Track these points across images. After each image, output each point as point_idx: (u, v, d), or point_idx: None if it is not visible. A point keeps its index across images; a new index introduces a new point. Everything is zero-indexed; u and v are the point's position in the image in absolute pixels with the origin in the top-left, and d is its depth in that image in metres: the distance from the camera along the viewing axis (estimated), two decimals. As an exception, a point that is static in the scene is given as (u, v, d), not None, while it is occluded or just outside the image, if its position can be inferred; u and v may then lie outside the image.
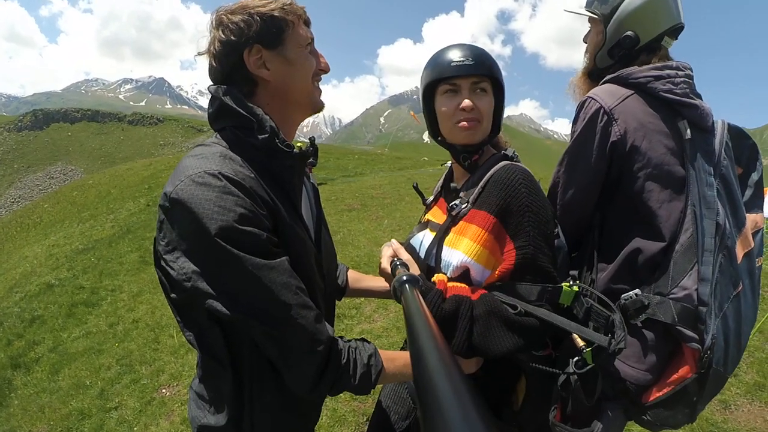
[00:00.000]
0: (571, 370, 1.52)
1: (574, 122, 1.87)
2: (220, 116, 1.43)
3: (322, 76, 1.55)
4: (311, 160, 20.43)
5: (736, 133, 1.85)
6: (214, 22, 1.41)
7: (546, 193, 1.84)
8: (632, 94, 1.78)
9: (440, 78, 1.69)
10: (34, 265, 12.49)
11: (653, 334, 1.66)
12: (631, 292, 1.68)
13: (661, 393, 1.66)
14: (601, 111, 1.75)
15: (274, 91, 1.46)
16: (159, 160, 33.70)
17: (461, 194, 1.76)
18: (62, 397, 5.42)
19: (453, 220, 1.69)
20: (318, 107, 1.56)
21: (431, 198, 2.04)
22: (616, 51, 1.93)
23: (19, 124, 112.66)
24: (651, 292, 1.67)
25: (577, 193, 1.84)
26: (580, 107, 1.85)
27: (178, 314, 1.41)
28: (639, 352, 1.67)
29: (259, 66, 1.41)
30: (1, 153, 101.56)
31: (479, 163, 1.77)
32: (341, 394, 4.35)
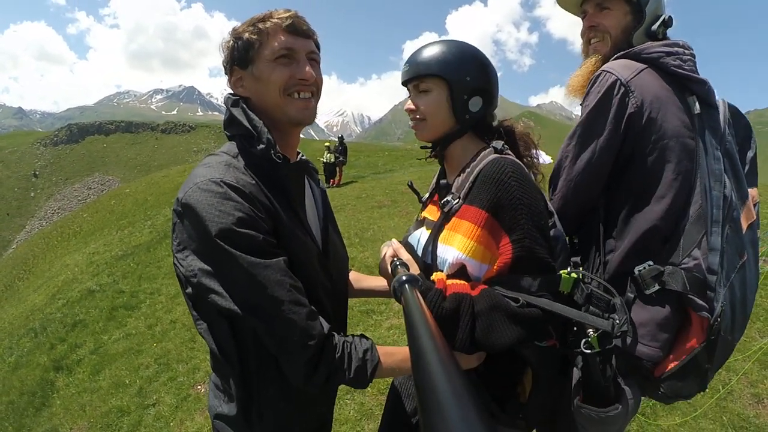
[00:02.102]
0: (587, 351, 1.56)
1: (587, 96, 1.85)
2: (229, 124, 1.55)
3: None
4: (341, 158, 20.54)
5: (732, 112, 1.88)
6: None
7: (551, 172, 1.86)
8: (646, 67, 1.78)
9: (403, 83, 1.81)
10: (75, 273, 12.83)
11: (665, 308, 1.67)
12: (644, 264, 1.69)
13: (673, 365, 1.67)
14: (618, 83, 1.74)
15: (256, 107, 1.56)
16: (193, 166, 34.44)
17: (453, 189, 1.76)
18: (102, 395, 5.59)
19: (445, 216, 1.69)
20: (293, 120, 1.59)
21: (426, 195, 2.04)
22: (659, 30, 1.90)
23: (55, 138, 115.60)
24: (662, 264, 1.68)
25: (589, 167, 1.81)
26: (594, 81, 1.83)
27: (193, 308, 1.52)
28: (653, 330, 1.67)
29: (238, 86, 1.58)
30: (39, 167, 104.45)
31: (455, 156, 1.82)
32: (368, 389, 4.41)
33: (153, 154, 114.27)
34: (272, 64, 1.51)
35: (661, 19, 1.89)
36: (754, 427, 3.78)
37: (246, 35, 1.51)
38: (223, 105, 1.58)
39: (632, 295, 1.67)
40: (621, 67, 1.78)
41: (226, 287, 1.36)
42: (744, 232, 1.78)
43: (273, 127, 1.54)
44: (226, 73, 1.60)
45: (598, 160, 1.80)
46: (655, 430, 3.80)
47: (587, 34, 2.04)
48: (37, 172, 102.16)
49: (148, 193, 26.55)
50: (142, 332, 7.26)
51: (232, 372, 1.52)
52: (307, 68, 1.55)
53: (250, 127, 1.47)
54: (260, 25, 1.50)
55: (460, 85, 1.69)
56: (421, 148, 1.93)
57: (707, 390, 3.98)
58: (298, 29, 1.54)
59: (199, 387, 5.21)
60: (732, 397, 4.10)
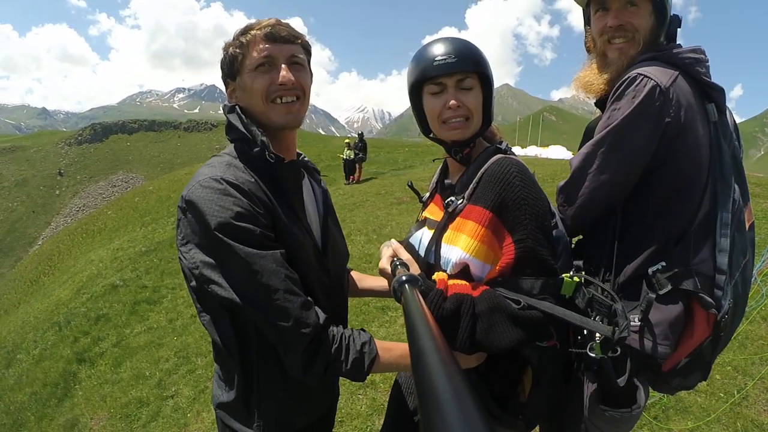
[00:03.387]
0: (592, 356, 1.58)
1: (617, 99, 1.74)
2: (229, 130, 1.62)
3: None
4: (360, 154, 20.55)
5: None
6: None
7: (569, 177, 1.84)
8: (678, 74, 1.71)
9: (425, 77, 1.66)
10: (99, 268, 13.06)
11: (677, 306, 1.67)
12: (658, 264, 1.69)
13: (680, 360, 1.73)
14: (658, 90, 1.65)
15: (249, 114, 1.62)
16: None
17: (456, 189, 1.76)
18: (123, 387, 5.73)
19: (450, 216, 1.69)
20: (277, 125, 1.63)
21: (427, 195, 2.03)
22: (672, 30, 1.88)
23: (79, 138, 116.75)
24: (674, 264, 1.68)
25: (618, 176, 1.75)
26: (628, 84, 1.71)
27: (197, 301, 1.59)
28: (665, 329, 1.67)
29: (232, 96, 1.68)
30: (65, 166, 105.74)
31: (472, 156, 1.76)
32: (380, 384, 4.44)
33: (176, 151, 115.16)
34: (253, 74, 1.58)
35: (676, 20, 1.85)
36: (770, 434, 3.66)
37: (230, 49, 1.60)
38: None
39: (653, 296, 1.65)
40: (658, 72, 1.69)
41: (225, 277, 1.42)
42: (746, 232, 1.84)
43: (266, 131, 1.59)
44: (225, 86, 1.70)
45: (630, 168, 1.74)
46: (667, 433, 3.73)
47: (609, 33, 1.87)
48: (62, 171, 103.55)
49: (171, 190, 26.81)
50: (163, 326, 7.41)
51: (233, 362, 1.59)
52: (283, 73, 1.57)
53: (245, 131, 1.55)
54: (242, 39, 1.58)
55: (491, 84, 1.69)
56: (433, 160, 1.88)
57: (722, 395, 3.91)
58: (277, 36, 1.58)
59: (216, 379, 5.26)
60: (747, 403, 3.99)
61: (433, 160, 2.05)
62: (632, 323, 1.61)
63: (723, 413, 3.84)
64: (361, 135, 21.93)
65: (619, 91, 1.74)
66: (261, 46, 1.56)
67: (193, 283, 1.51)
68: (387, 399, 4.25)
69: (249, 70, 1.58)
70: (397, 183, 16.48)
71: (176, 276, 9.79)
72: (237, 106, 1.60)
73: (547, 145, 44.68)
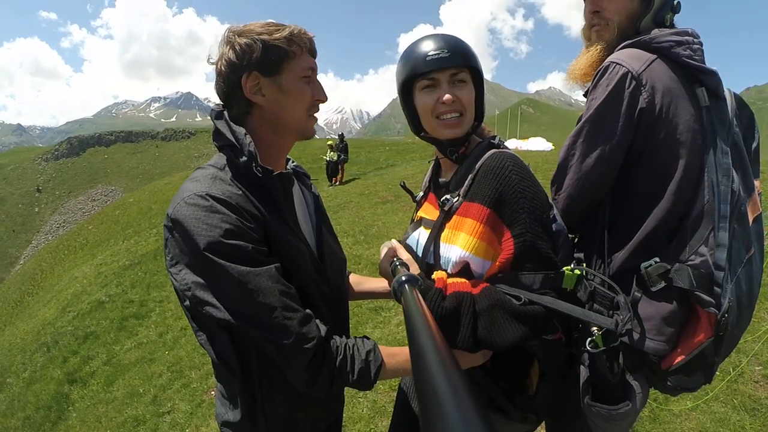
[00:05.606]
0: (591, 350, 1.58)
1: (593, 89, 1.76)
2: (216, 137, 1.54)
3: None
4: (342, 156, 20.53)
5: (737, 102, 1.83)
6: (224, 40, 1.51)
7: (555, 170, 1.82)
8: (656, 58, 1.70)
9: (417, 73, 1.63)
10: (84, 285, 12.88)
11: (670, 303, 1.65)
12: (651, 260, 1.66)
13: (680, 359, 1.66)
14: (629, 76, 1.65)
15: (267, 117, 1.55)
16: (194, 172, 34.57)
17: (451, 187, 1.73)
18: (117, 406, 5.64)
19: (446, 215, 1.67)
20: (307, 136, 1.63)
21: (420, 194, 2.01)
22: (667, 17, 1.84)
23: (56, 152, 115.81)
24: (668, 260, 1.66)
25: (599, 166, 1.74)
26: (602, 73, 1.73)
27: (192, 320, 1.53)
28: (658, 324, 1.65)
29: (255, 92, 1.50)
30: (42, 182, 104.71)
31: (466, 154, 1.74)
32: (380, 386, 4.41)
33: (154, 162, 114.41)
34: (301, 81, 1.53)
35: (668, 5, 1.82)
36: (766, 408, 3.73)
37: (279, 43, 1.47)
38: None
39: (639, 294, 1.64)
40: (630, 58, 1.70)
41: (219, 298, 1.37)
42: (750, 225, 1.75)
43: (278, 135, 1.57)
44: (231, 75, 1.50)
45: (609, 157, 1.73)
46: (667, 415, 3.78)
47: (590, 18, 1.94)
48: (41, 187, 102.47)
49: (152, 201, 26.60)
50: (153, 341, 7.31)
51: (234, 380, 1.54)
52: (321, 89, 1.60)
53: (233, 139, 1.47)
54: (294, 38, 1.50)
55: (482, 79, 1.68)
56: (429, 162, 1.85)
57: (719, 373, 3.94)
58: (314, 51, 1.59)
59: (212, 392, 5.22)
60: (743, 379, 4.04)
61: (429, 162, 2.02)
62: None
63: (720, 391, 3.89)
64: (341, 136, 21.92)
65: (594, 81, 1.75)
66: (307, 56, 1.56)
67: (187, 303, 1.45)
68: (388, 401, 4.29)
69: (297, 75, 1.52)
70: (380, 182, 16.45)
71: (162, 288, 9.69)
72: (225, 112, 1.54)
73: (527, 138, 44.97)
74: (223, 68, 1.50)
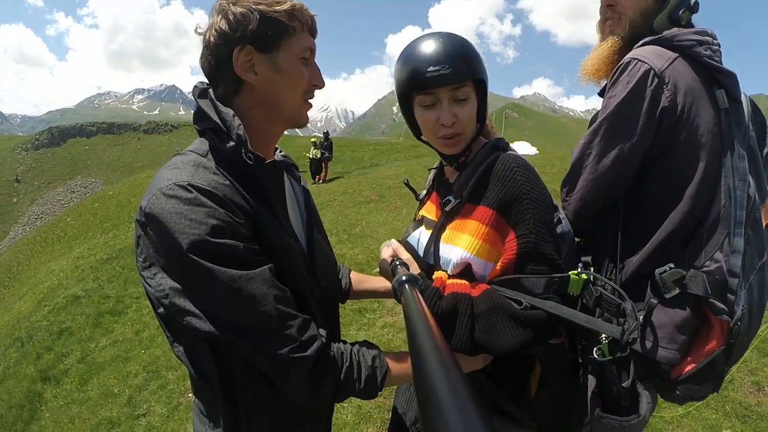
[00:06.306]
0: (599, 358, 1.52)
1: (612, 86, 1.72)
2: (199, 119, 1.37)
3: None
4: (326, 153, 20.43)
5: (751, 107, 1.80)
6: (216, 9, 1.33)
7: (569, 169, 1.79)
8: (677, 56, 1.66)
9: (417, 88, 1.56)
10: (60, 278, 12.63)
11: (684, 310, 1.61)
12: (665, 266, 1.61)
13: (690, 367, 1.61)
14: (651, 73, 1.61)
15: (259, 98, 1.38)
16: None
17: (455, 188, 1.68)
18: (91, 407, 5.49)
19: (447, 215, 1.63)
20: (299, 124, 1.48)
21: (423, 193, 1.97)
22: (683, 15, 1.78)
23: (36, 142, 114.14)
24: (683, 266, 1.61)
25: (616, 166, 1.69)
26: (622, 69, 1.69)
27: (168, 330, 1.35)
28: (671, 332, 1.61)
29: (247, 69, 1.33)
30: (21, 172, 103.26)
31: (468, 161, 1.68)
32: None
33: (136, 154, 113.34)
34: (299, 62, 1.38)
35: (685, 3, 1.78)
36: (756, 415, 3.78)
37: (278, 16, 1.31)
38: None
39: (655, 301, 1.58)
40: (652, 55, 1.65)
41: (204, 308, 1.19)
42: (763, 231, 1.72)
43: (269, 120, 1.43)
44: (221, 47, 1.32)
45: (627, 158, 1.68)
46: (658, 422, 3.78)
47: (604, 11, 1.90)
48: (19, 177, 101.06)
49: (132, 195, 26.23)
50: (129, 338, 7.16)
51: (215, 397, 1.36)
52: (319, 73, 1.46)
53: (218, 120, 1.28)
54: (296, 13, 1.34)
55: (486, 86, 1.61)
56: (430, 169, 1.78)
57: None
58: (315, 30, 1.45)
59: (190, 395, 5.08)
60: (733, 386, 4.10)
61: (429, 169, 1.98)
62: None
63: (711, 398, 3.89)
64: (326, 134, 21.95)
65: (614, 78, 1.71)
66: (307, 35, 1.41)
67: (162, 311, 1.26)
68: (373, 407, 4.22)
69: (295, 54, 1.36)
70: (364, 182, 16.48)
71: (140, 285, 9.42)
72: (210, 91, 1.35)
73: (512, 141, 45.61)
74: (212, 39, 1.31)
